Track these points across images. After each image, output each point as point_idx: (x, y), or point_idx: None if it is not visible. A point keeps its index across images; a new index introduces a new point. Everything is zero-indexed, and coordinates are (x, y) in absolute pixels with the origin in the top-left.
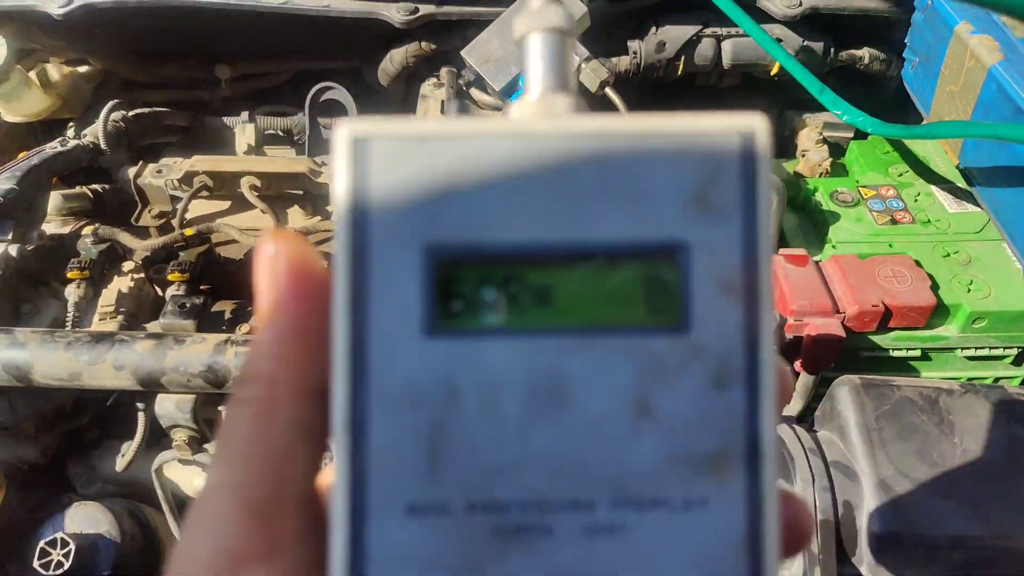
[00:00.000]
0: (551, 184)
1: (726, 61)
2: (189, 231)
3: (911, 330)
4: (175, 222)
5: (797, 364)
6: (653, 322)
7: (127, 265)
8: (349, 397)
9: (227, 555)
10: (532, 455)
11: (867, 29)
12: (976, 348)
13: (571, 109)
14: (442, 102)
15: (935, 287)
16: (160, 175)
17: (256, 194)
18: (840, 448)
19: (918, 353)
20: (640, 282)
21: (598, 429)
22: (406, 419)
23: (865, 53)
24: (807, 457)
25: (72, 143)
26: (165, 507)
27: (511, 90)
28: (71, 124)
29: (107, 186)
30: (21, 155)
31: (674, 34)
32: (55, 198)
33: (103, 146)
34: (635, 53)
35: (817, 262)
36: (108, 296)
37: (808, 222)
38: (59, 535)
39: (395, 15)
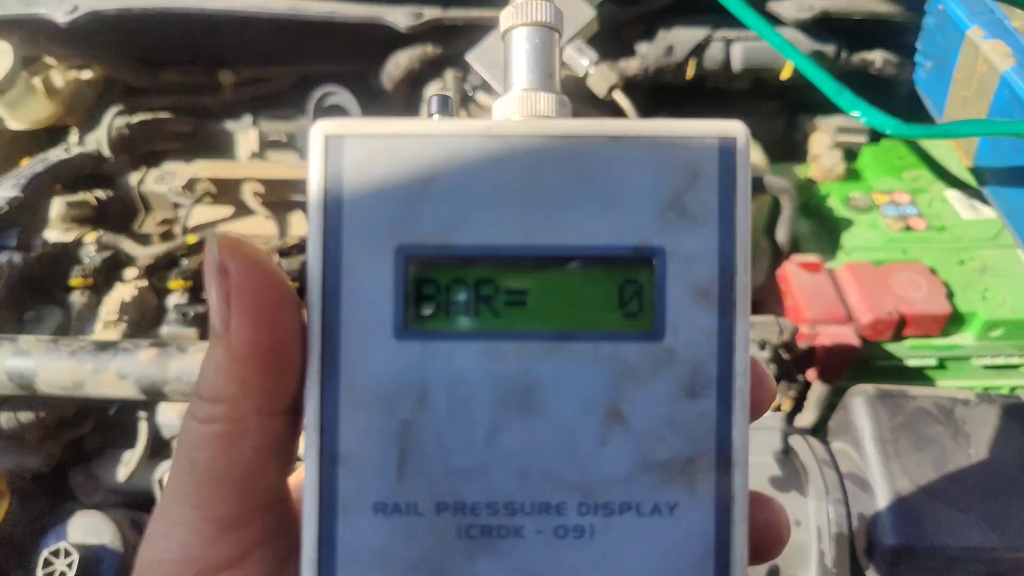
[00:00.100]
0: (527, 187)
1: (736, 65)
2: (192, 238)
3: (926, 339)
4: (178, 229)
5: (810, 374)
6: (626, 328)
7: (130, 272)
8: (319, 397)
9: (195, 563)
10: (502, 458)
11: (878, 33)
12: (992, 357)
13: (554, 107)
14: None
15: (950, 295)
16: (163, 182)
17: (259, 200)
18: (854, 460)
19: (933, 362)
20: (614, 288)
21: (569, 433)
22: (376, 419)
23: (877, 57)
24: (820, 469)
25: (75, 150)
26: None
27: None
28: (74, 131)
29: (110, 193)
30: (25, 162)
31: (683, 38)
32: (58, 205)
33: (107, 153)
34: (644, 57)
35: (830, 270)
36: (111, 303)
37: (821, 228)
38: (63, 545)
39: (400, 19)
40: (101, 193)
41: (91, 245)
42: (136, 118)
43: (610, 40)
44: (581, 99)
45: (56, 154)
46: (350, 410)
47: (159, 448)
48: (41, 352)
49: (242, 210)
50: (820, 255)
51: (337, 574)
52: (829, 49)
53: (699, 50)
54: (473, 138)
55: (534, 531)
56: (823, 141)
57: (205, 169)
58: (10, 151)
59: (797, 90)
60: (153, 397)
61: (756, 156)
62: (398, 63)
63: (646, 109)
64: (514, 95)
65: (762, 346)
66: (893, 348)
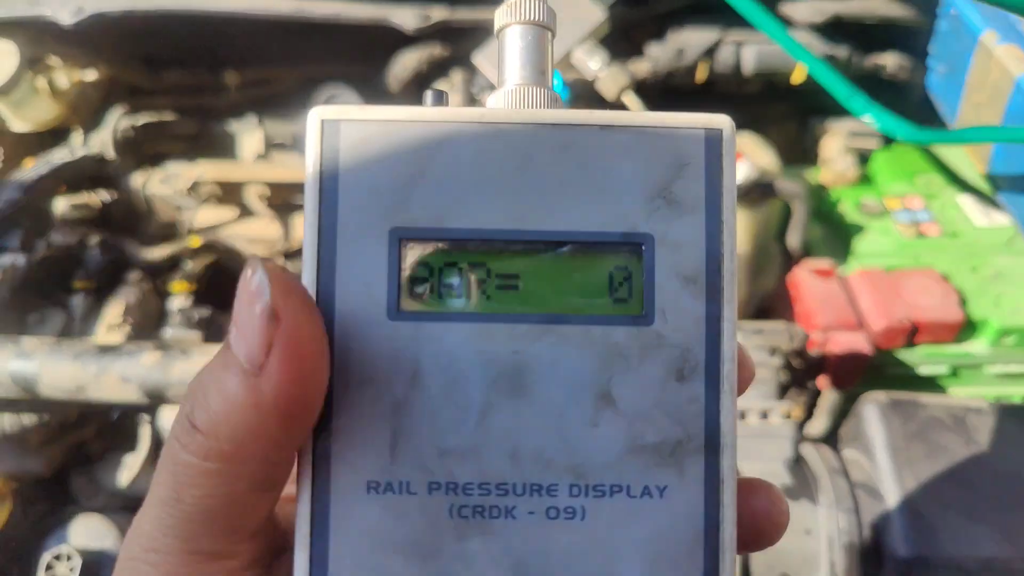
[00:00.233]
0: (519, 173)
1: (747, 68)
2: (196, 241)
3: (939, 346)
4: (182, 231)
5: (821, 381)
6: (616, 312)
7: (133, 275)
8: None
9: None
10: (493, 438)
11: (891, 36)
12: (1005, 365)
13: (546, 102)
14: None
15: (963, 302)
16: (167, 183)
17: (264, 202)
18: (866, 468)
19: (946, 370)
20: (604, 273)
21: (560, 415)
22: (369, 399)
23: (889, 60)
24: (831, 478)
25: (79, 152)
26: None
27: None
28: (78, 132)
29: (114, 195)
30: (28, 163)
31: (694, 40)
32: (62, 207)
33: (111, 154)
34: (654, 59)
35: (842, 276)
36: (114, 306)
37: (832, 233)
38: (64, 548)
39: (407, 20)
40: (105, 195)
41: (94, 247)
42: (140, 119)
43: (620, 42)
44: (591, 101)
45: (60, 155)
46: (343, 389)
47: (161, 452)
48: (44, 354)
49: (247, 212)
50: (832, 260)
51: (330, 551)
52: (841, 52)
53: (710, 52)
54: (467, 124)
55: (526, 512)
56: (835, 145)
57: (209, 171)
58: (14, 152)
59: (808, 93)
60: (156, 400)
61: (767, 160)
62: (404, 64)
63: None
64: (507, 89)
65: (772, 353)
66: (905, 355)
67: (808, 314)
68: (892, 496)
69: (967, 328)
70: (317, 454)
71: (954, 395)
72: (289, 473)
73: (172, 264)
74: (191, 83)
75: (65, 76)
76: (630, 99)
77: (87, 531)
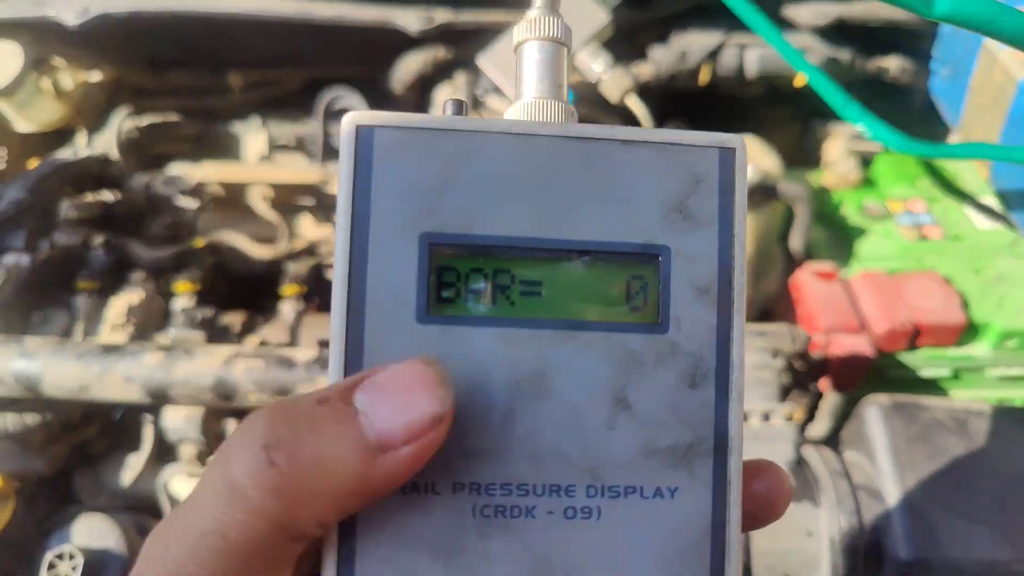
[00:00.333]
0: (544, 184)
1: (750, 71)
2: (199, 242)
3: (941, 349)
4: (186, 232)
5: (823, 383)
6: (633, 320)
7: (137, 275)
8: (342, 377)
9: None
10: (515, 440)
11: (894, 39)
12: (1007, 368)
13: (562, 115)
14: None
15: (965, 304)
16: (171, 184)
17: (267, 204)
18: (867, 470)
19: (948, 372)
20: (622, 282)
21: (578, 418)
22: None
23: (892, 63)
24: (833, 480)
25: (84, 152)
26: None
27: None
28: (83, 133)
29: (118, 195)
30: (33, 164)
31: (697, 43)
32: (66, 207)
33: (115, 155)
34: (657, 62)
35: (844, 278)
36: (118, 306)
37: (835, 236)
38: (67, 548)
39: (410, 23)
40: (109, 195)
41: (98, 247)
42: (145, 120)
43: (624, 45)
44: (594, 103)
45: (64, 156)
46: None
47: (164, 452)
48: (47, 354)
49: (250, 213)
50: (834, 263)
51: (357, 550)
52: (844, 55)
53: (713, 56)
54: (497, 134)
55: (545, 511)
56: (837, 148)
57: (213, 172)
58: (19, 153)
59: (811, 97)
60: (159, 400)
61: (770, 163)
62: (408, 66)
63: (659, 114)
64: (524, 103)
65: (775, 355)
66: (907, 358)
67: (810, 316)
68: (893, 498)
69: (969, 331)
70: None
71: (956, 398)
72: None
73: (176, 265)
74: (195, 84)
75: (70, 77)
76: (633, 102)
77: (90, 530)
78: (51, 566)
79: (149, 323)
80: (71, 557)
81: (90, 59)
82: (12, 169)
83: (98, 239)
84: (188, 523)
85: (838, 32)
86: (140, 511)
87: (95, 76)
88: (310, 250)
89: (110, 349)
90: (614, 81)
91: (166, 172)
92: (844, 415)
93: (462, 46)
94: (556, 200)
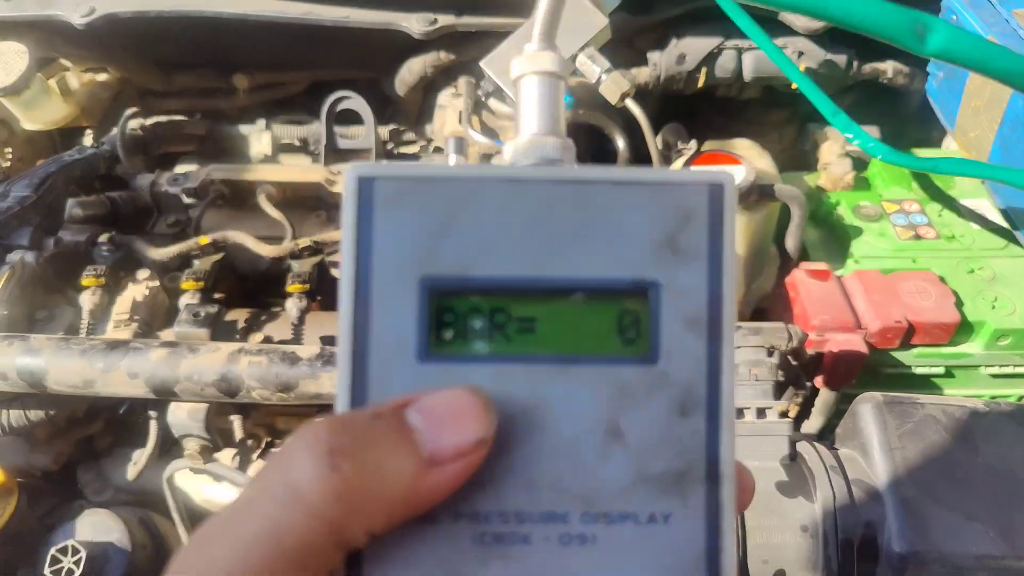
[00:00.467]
0: (537, 225)
1: (747, 74)
2: (204, 239)
3: (934, 347)
4: (191, 230)
5: (818, 381)
6: (625, 353)
7: (142, 273)
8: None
9: None
10: (512, 470)
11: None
12: (1000, 366)
13: (560, 150)
14: (460, 113)
15: (959, 304)
16: (176, 183)
17: (271, 203)
18: (862, 466)
19: (941, 370)
20: (614, 317)
21: (573, 448)
22: None
23: (889, 67)
24: (828, 475)
25: (89, 151)
26: (176, 516)
27: None
28: (89, 132)
29: (123, 194)
30: (39, 163)
31: (695, 46)
32: (72, 205)
33: (121, 154)
34: (655, 65)
35: (839, 277)
36: (123, 303)
37: (830, 236)
38: (70, 542)
39: (414, 26)
40: (115, 194)
41: (104, 245)
42: (150, 120)
43: (623, 48)
44: (594, 106)
45: (70, 155)
46: None
47: (168, 447)
48: (52, 351)
49: (255, 212)
50: (829, 264)
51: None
52: (840, 59)
53: (711, 59)
54: (489, 181)
55: (541, 538)
56: (833, 150)
57: (218, 171)
58: (25, 151)
59: (807, 99)
60: (163, 396)
61: (766, 164)
62: (411, 69)
63: (657, 116)
64: (524, 139)
65: (770, 352)
66: (901, 356)
67: (805, 315)
68: (888, 493)
69: (963, 329)
70: None
71: (949, 395)
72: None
73: (181, 263)
74: (201, 86)
75: (76, 77)
76: (631, 105)
77: (93, 525)
78: (54, 560)
79: (154, 320)
80: (74, 551)
81: (96, 59)
82: (18, 167)
83: (103, 237)
84: (238, 527)
85: (834, 36)
86: (144, 506)
87: (101, 76)
88: (314, 248)
89: (115, 345)
90: (613, 84)
91: (171, 171)
92: (838, 412)
93: (465, 49)
94: (550, 240)
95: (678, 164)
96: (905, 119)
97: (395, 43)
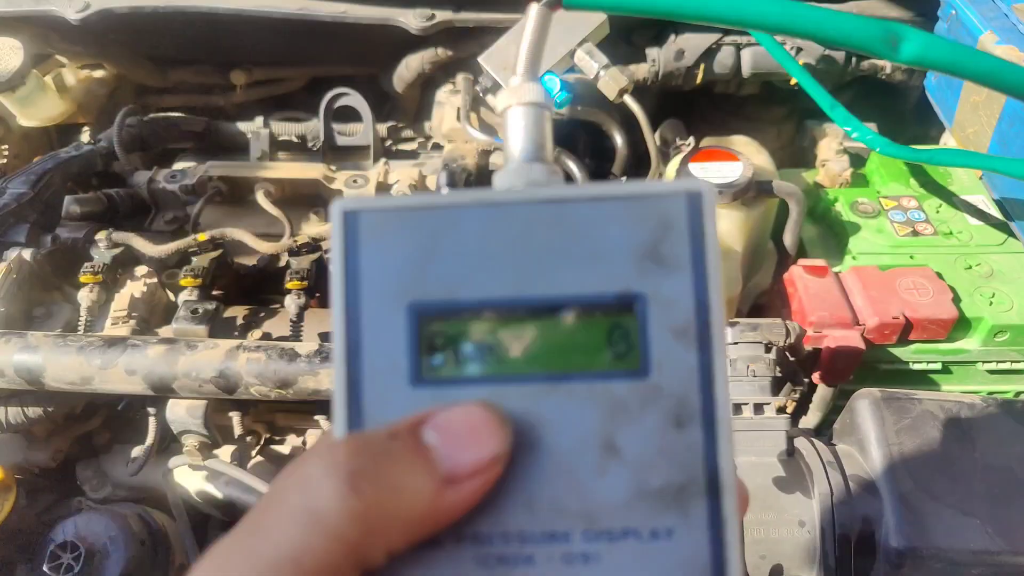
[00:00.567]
0: (521, 245)
1: (746, 70)
2: (202, 236)
3: (932, 343)
4: (188, 227)
5: (815, 376)
6: (615, 368)
7: (140, 270)
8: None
9: None
10: (511, 490)
11: None
12: (998, 362)
13: (547, 175)
14: (458, 110)
15: (957, 300)
16: (174, 180)
17: (270, 200)
18: (859, 462)
19: (939, 366)
20: (603, 332)
21: (570, 467)
22: None
23: (887, 63)
24: (825, 470)
25: (86, 148)
26: (175, 512)
27: None
28: (86, 129)
29: (121, 191)
30: (36, 159)
31: (693, 42)
32: (69, 202)
33: (118, 151)
34: (654, 61)
35: (836, 273)
36: (121, 300)
37: (828, 233)
38: (69, 539)
39: (412, 21)
40: (112, 191)
41: (102, 242)
42: (148, 117)
43: (621, 43)
44: (592, 102)
45: (67, 151)
46: None
47: (167, 444)
48: (49, 347)
49: (253, 209)
50: (827, 260)
51: None
52: (839, 54)
53: (709, 55)
54: (471, 207)
55: (544, 558)
56: (831, 146)
57: (216, 168)
58: (22, 148)
59: (806, 96)
60: (162, 393)
61: (764, 161)
62: (409, 66)
63: (655, 112)
64: (511, 167)
65: (768, 348)
66: (898, 352)
67: (803, 311)
68: (885, 488)
69: (960, 325)
70: None
71: (947, 391)
72: None
73: (178, 259)
74: (199, 82)
75: (72, 73)
76: (629, 101)
77: (92, 522)
78: (53, 556)
79: (152, 317)
80: (73, 548)
81: (92, 55)
82: (15, 164)
83: (101, 234)
84: (256, 549)
85: None
86: (143, 503)
87: (98, 72)
88: (311, 245)
89: (112, 342)
90: (611, 79)
91: (169, 168)
92: (836, 408)
93: (463, 45)
94: (534, 259)
95: (676, 160)
96: (903, 115)
97: (393, 39)
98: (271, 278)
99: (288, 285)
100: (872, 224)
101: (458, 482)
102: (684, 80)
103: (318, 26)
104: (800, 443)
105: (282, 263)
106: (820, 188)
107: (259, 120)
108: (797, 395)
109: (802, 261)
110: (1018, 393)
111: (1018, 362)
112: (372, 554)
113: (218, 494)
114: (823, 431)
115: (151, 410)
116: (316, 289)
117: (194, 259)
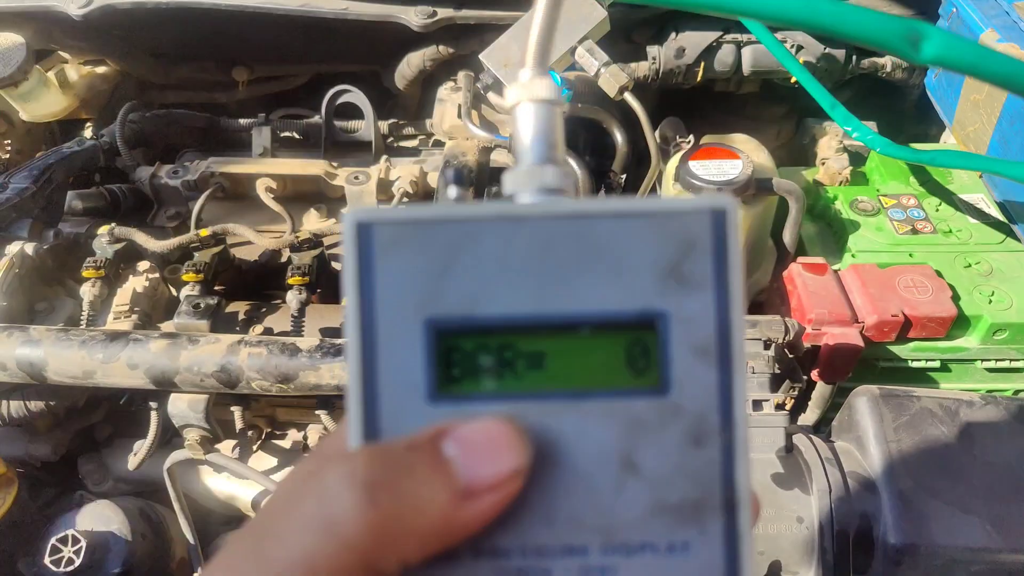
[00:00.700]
0: (540, 260)
1: (746, 68)
2: (204, 232)
3: (931, 341)
4: (191, 223)
5: (814, 373)
6: (635, 385)
7: (142, 265)
8: None
9: None
10: (530, 505)
11: None
12: (996, 360)
13: (559, 178)
14: (459, 107)
15: (956, 298)
16: (176, 176)
17: (271, 196)
18: (858, 459)
19: (937, 364)
20: (622, 349)
21: (588, 482)
22: None
23: (887, 61)
24: (824, 467)
25: (89, 143)
26: (176, 506)
27: None
28: (88, 124)
29: (123, 186)
30: (39, 155)
31: (694, 40)
32: (71, 197)
33: (120, 147)
34: (654, 59)
35: (836, 271)
36: (123, 295)
37: (827, 231)
38: (70, 532)
39: (413, 18)
40: (114, 186)
41: (104, 237)
42: (150, 113)
43: (621, 41)
44: (592, 99)
45: (69, 147)
46: None
47: (169, 438)
48: (51, 341)
49: (255, 205)
50: (826, 258)
51: None
52: (839, 52)
53: (709, 52)
54: (490, 220)
55: (562, 572)
56: (831, 145)
57: (218, 164)
58: (24, 143)
59: (806, 93)
60: (163, 387)
61: (763, 159)
62: (411, 63)
63: (655, 111)
64: (522, 169)
65: (767, 345)
66: (897, 349)
67: (802, 308)
68: (883, 485)
69: (959, 323)
70: None
71: (945, 389)
72: None
73: (180, 255)
74: (201, 78)
75: (75, 69)
76: (630, 98)
77: (94, 515)
78: (54, 550)
79: (154, 312)
80: (75, 541)
81: (94, 51)
82: (17, 159)
83: (103, 229)
84: (269, 553)
85: None
86: (145, 496)
87: (101, 68)
88: (312, 241)
89: (114, 336)
90: (612, 77)
91: (171, 164)
92: (834, 405)
93: (465, 42)
94: (554, 274)
95: (676, 158)
96: (903, 114)
97: (395, 36)
98: (272, 273)
99: (289, 280)
100: (871, 222)
101: (476, 496)
102: (684, 78)
103: (320, 23)
104: (799, 440)
105: (283, 259)
106: (820, 186)
107: (261, 116)
108: (796, 392)
109: (801, 259)
110: (1017, 391)
111: (1017, 360)
112: (386, 566)
113: (219, 488)
114: (822, 428)
115: (153, 404)
116: (317, 284)
117: (196, 254)
